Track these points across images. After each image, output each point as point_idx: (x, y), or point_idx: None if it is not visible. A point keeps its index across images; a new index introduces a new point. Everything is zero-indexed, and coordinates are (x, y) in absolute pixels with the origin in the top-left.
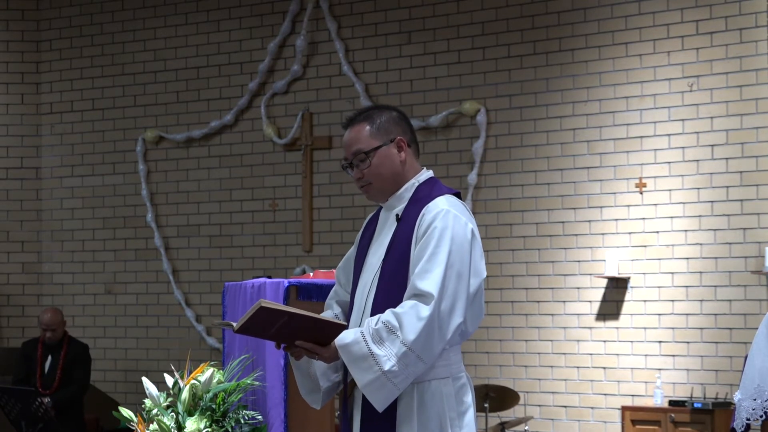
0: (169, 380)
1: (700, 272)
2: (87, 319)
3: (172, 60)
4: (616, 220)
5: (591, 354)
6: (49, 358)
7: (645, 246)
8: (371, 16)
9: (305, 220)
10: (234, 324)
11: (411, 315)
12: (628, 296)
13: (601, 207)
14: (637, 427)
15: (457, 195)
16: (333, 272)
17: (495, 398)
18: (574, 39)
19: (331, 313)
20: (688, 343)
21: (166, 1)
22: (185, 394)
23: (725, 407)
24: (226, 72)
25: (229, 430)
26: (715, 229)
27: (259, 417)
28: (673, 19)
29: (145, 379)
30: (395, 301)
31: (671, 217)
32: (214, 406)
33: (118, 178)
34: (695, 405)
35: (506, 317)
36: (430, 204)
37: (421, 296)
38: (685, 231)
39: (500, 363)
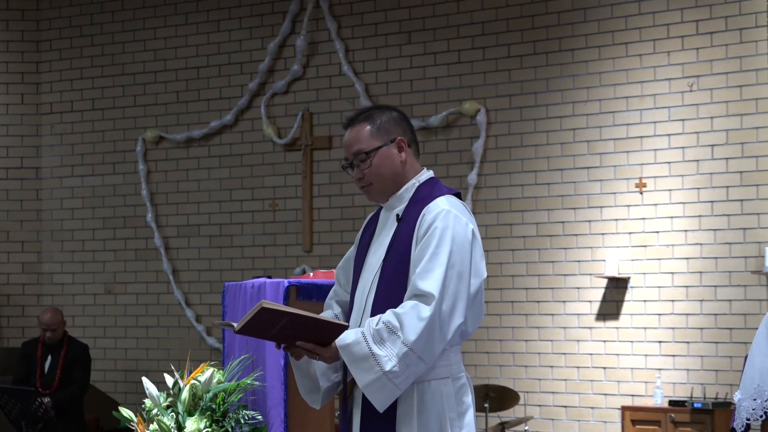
0: (169, 380)
1: (700, 272)
2: (87, 319)
3: (172, 60)
4: (616, 220)
5: (591, 354)
6: (49, 358)
7: (645, 246)
8: (371, 16)
9: (305, 220)
10: (235, 324)
11: (412, 315)
12: (628, 296)
13: (601, 207)
14: (637, 427)
15: (458, 195)
16: (333, 272)
17: (495, 398)
18: (574, 39)
19: (330, 312)
20: (688, 343)
21: (166, 1)
22: (185, 394)
23: (725, 407)
24: (226, 72)
25: (229, 430)
26: (715, 229)
27: (259, 417)
28: (673, 19)
29: (145, 379)
30: (395, 301)
31: (671, 217)
32: (214, 406)
33: (118, 178)
34: (695, 405)
35: (506, 317)
36: (431, 204)
37: (422, 296)
38: (685, 231)
39: (500, 363)
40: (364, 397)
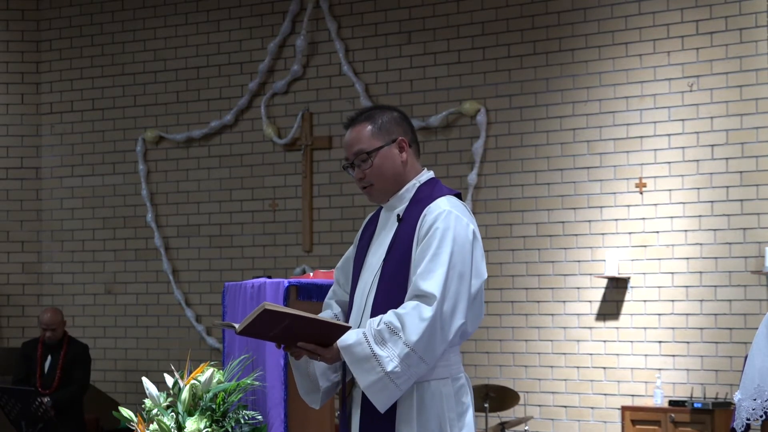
0: (169, 380)
1: (700, 272)
2: (87, 319)
3: (172, 60)
4: (616, 220)
5: (591, 354)
6: (49, 358)
7: (645, 246)
8: (371, 16)
9: (305, 220)
10: (236, 325)
11: (413, 316)
12: (628, 296)
13: (601, 207)
14: (637, 427)
15: (458, 196)
16: (333, 272)
17: (495, 398)
18: (574, 39)
19: (330, 312)
20: (688, 343)
21: (166, 1)
22: (185, 394)
23: (725, 407)
24: (226, 72)
25: (229, 430)
26: (715, 229)
27: (259, 417)
28: (673, 19)
29: (145, 379)
30: (395, 302)
31: (671, 217)
32: (214, 406)
33: (118, 178)
34: (695, 405)
35: (506, 317)
36: (432, 205)
37: (424, 297)
38: (685, 231)
39: (500, 363)
40: (363, 397)
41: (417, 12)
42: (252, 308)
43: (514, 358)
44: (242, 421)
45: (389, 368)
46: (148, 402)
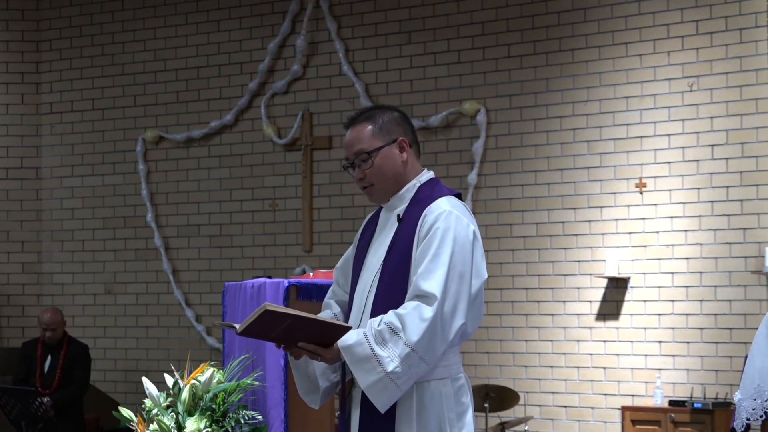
0: (169, 380)
1: (700, 272)
2: (87, 319)
3: (172, 60)
4: (616, 220)
5: (591, 354)
6: (49, 358)
7: (645, 246)
8: (371, 16)
9: (305, 220)
10: (237, 326)
11: (414, 316)
12: (628, 296)
13: (601, 207)
14: (637, 427)
15: (458, 196)
16: (333, 272)
17: (495, 398)
18: (574, 39)
19: (329, 312)
20: (688, 343)
21: (166, 1)
22: (185, 394)
23: (725, 407)
24: (226, 72)
25: (229, 430)
26: (715, 229)
27: (259, 417)
28: (673, 19)
29: (145, 379)
30: (395, 302)
31: (671, 217)
32: (214, 406)
33: (118, 178)
34: (695, 405)
35: (506, 317)
36: (432, 205)
37: (424, 297)
38: (685, 231)
39: (500, 363)
40: (363, 397)
41: (417, 12)
42: (252, 308)
43: (514, 358)
44: (242, 421)
45: (390, 368)
46: (148, 402)
